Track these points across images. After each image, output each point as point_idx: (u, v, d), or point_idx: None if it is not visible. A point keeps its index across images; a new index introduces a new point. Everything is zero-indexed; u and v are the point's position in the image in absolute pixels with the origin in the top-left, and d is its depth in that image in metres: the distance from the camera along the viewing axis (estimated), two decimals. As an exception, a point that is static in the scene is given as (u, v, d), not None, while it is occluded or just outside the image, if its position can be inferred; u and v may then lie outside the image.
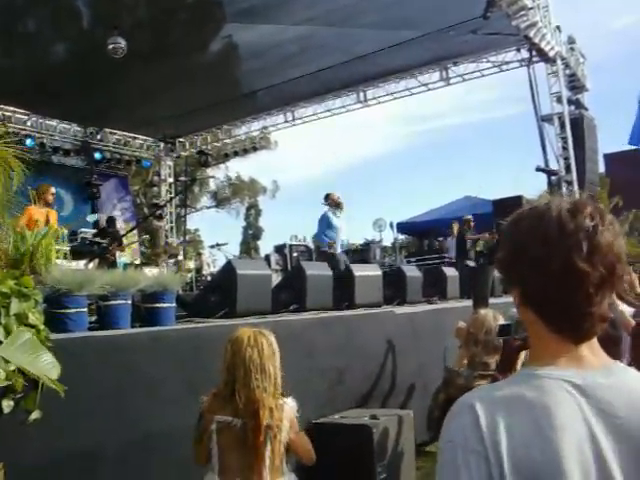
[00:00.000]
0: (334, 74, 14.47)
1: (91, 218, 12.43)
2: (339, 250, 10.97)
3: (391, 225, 16.48)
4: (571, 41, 14.45)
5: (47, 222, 8.24)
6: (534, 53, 13.31)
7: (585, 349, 1.27)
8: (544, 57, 13.21)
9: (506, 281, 1.39)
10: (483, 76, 15.67)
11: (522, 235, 1.30)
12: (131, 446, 4.13)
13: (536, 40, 12.31)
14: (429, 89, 16.28)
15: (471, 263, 12.89)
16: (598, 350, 1.29)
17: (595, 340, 1.29)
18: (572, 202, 1.28)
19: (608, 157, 25.08)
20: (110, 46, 11.00)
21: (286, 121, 18.41)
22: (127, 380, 4.22)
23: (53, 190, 9.25)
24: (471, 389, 1.39)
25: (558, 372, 1.23)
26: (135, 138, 19.00)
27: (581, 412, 1.18)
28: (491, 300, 8.15)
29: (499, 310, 4.31)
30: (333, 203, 11.12)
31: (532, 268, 1.27)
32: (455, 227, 15.56)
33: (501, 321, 3.71)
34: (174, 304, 5.23)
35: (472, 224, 14.30)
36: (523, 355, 3.01)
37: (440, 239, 18.67)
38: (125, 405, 4.16)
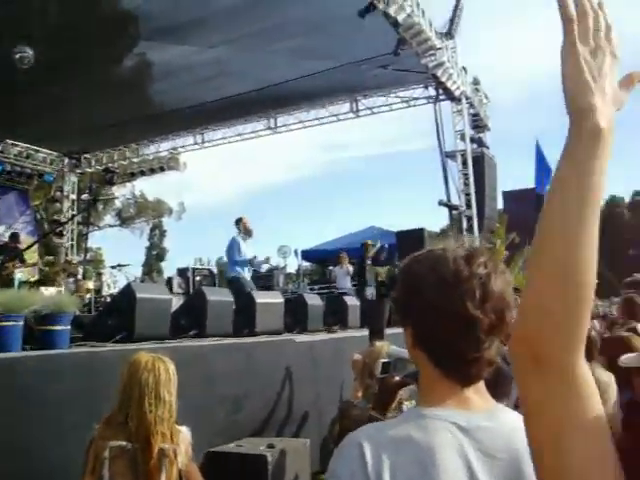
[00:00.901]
0: (245, 99, 14.51)
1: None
2: (246, 275, 10.64)
3: (295, 252, 16.55)
4: (476, 82, 15.14)
5: None
6: (440, 91, 13.84)
7: (471, 391, 1.31)
8: (450, 96, 13.76)
9: (400, 320, 1.41)
10: (392, 110, 16.13)
11: (417, 278, 1.34)
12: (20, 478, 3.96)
13: (443, 79, 12.81)
14: (339, 119, 16.66)
15: (370, 290, 13.00)
16: (484, 392, 1.34)
17: (482, 382, 1.34)
18: (467, 249, 1.33)
19: (506, 194, 26.00)
20: (17, 55, 10.65)
21: (195, 143, 18.32)
22: (15, 406, 4.05)
23: None
24: (365, 421, 1.43)
25: (444, 413, 1.26)
26: (38, 151, 18.35)
27: (463, 453, 1.21)
28: (389, 331, 8.26)
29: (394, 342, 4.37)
30: (243, 229, 10.76)
31: (425, 311, 1.30)
32: (342, 257, 15.09)
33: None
34: (69, 326, 5.09)
35: (372, 247, 14.44)
36: (402, 392, 3.03)
37: (330, 268, 18.63)
38: (14, 433, 3.98)
